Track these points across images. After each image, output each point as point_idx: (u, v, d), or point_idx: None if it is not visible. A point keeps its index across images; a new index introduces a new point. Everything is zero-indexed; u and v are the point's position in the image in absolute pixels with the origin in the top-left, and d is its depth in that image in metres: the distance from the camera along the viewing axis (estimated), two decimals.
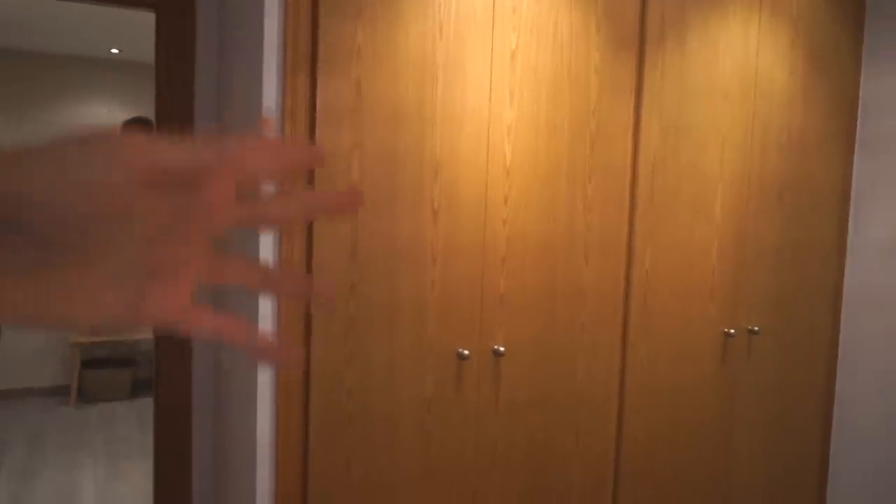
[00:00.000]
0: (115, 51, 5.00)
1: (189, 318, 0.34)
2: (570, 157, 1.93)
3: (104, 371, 5.12)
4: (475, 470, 1.88)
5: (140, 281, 0.32)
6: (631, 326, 2.09)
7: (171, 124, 2.26)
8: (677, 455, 2.25)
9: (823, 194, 2.49)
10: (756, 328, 2.35)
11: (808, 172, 2.44)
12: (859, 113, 2.57)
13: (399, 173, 1.70)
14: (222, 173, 0.31)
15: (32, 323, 0.31)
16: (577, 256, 1.97)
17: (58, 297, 0.31)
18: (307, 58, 1.60)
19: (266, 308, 1.63)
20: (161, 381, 2.31)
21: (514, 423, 1.93)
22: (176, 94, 2.27)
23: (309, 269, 1.63)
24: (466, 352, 1.81)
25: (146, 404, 5.16)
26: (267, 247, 1.62)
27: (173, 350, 2.32)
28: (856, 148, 2.58)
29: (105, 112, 5.35)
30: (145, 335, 5.27)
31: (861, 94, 2.57)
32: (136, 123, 5.37)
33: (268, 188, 0.35)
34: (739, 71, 2.22)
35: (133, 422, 4.76)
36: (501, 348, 1.86)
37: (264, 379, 1.64)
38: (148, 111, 5.38)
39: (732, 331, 2.29)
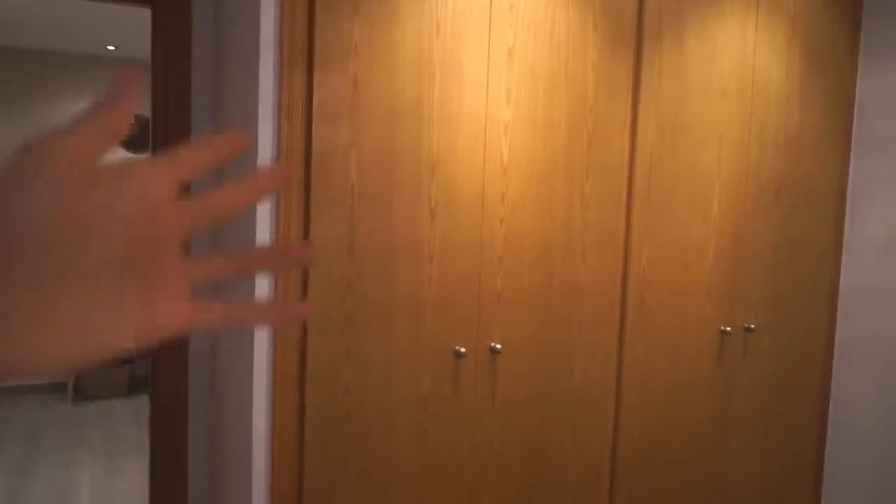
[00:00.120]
0: (111, 48, 4.99)
1: (198, 318, 0.34)
2: (568, 155, 1.93)
3: (101, 368, 5.12)
4: (472, 468, 1.88)
5: (135, 295, 0.31)
6: (628, 324, 2.09)
7: (167, 121, 2.25)
8: (674, 453, 2.25)
9: (820, 192, 2.49)
10: (752, 326, 2.35)
11: (805, 171, 2.44)
12: (856, 111, 2.57)
13: (396, 171, 1.70)
14: (162, 172, 0.31)
15: (33, 373, 0.30)
16: (575, 254, 1.97)
17: (50, 334, 0.29)
18: (304, 55, 1.60)
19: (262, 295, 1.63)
20: (157, 378, 2.31)
21: (511, 420, 1.93)
22: (172, 91, 2.26)
23: (306, 267, 1.63)
24: (463, 349, 1.81)
25: (143, 402, 5.15)
26: (264, 236, 1.62)
27: (169, 347, 2.32)
28: (852, 146, 2.58)
29: None
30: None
31: (858, 92, 2.57)
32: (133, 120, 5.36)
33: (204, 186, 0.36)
34: (737, 69, 2.22)
35: (130, 419, 4.76)
36: (498, 346, 1.86)
37: (261, 375, 1.64)
38: (143, 108, 5.37)
39: (729, 329, 2.30)
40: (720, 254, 2.26)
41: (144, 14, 3.84)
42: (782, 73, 2.33)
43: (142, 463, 4.00)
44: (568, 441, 2.04)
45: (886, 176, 2.51)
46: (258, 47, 1.59)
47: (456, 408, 1.84)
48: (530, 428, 1.97)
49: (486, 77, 1.79)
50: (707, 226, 2.22)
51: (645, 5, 2.02)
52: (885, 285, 2.51)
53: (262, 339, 1.63)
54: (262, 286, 1.62)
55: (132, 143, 5.42)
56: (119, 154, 5.29)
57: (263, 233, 1.62)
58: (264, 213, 1.61)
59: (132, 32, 4.49)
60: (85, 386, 5.11)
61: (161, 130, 2.26)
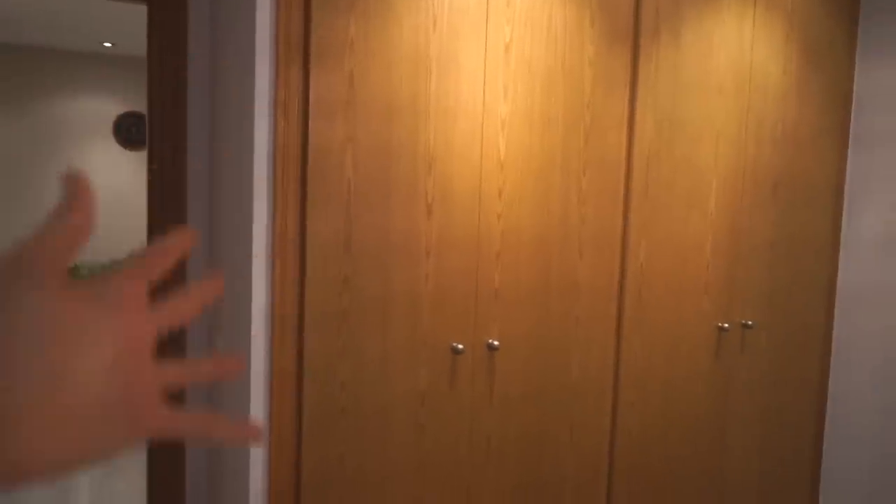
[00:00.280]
0: (108, 45, 4.98)
1: (178, 427, 0.37)
2: (565, 151, 1.93)
3: None
4: (469, 464, 1.88)
5: (122, 403, 0.33)
6: (625, 320, 2.09)
7: (163, 117, 2.25)
8: (671, 449, 2.25)
9: (817, 189, 2.49)
10: (750, 322, 2.35)
11: (803, 167, 2.44)
12: (853, 107, 2.57)
13: (393, 167, 1.69)
14: (132, 282, 0.35)
15: (28, 478, 0.31)
16: (572, 250, 1.97)
17: (48, 438, 0.31)
18: (300, 51, 1.59)
19: (260, 300, 1.63)
20: None
21: (509, 417, 1.93)
22: (168, 88, 2.26)
23: (303, 258, 1.63)
24: (461, 346, 1.81)
25: None
26: (261, 227, 1.61)
27: (167, 345, 2.31)
28: (850, 142, 2.58)
29: (98, 106, 5.32)
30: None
31: (855, 88, 2.57)
32: (129, 117, 5.35)
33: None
34: (734, 65, 2.22)
35: None
36: (496, 342, 1.86)
37: (258, 371, 1.64)
38: (141, 105, 5.36)
39: (726, 325, 2.30)
40: (717, 250, 2.26)
41: (141, 11, 3.83)
42: (779, 69, 2.33)
43: (140, 461, 3.99)
44: (565, 437, 2.04)
45: (884, 172, 2.51)
46: (254, 44, 1.59)
47: (453, 404, 1.84)
48: (528, 424, 1.97)
49: (483, 73, 1.79)
50: (704, 222, 2.22)
51: (642, 1, 2.01)
52: (883, 282, 2.52)
53: (259, 336, 1.63)
54: (260, 281, 1.62)
55: (129, 141, 5.41)
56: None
57: (260, 223, 1.61)
58: (261, 210, 1.61)
59: (129, 29, 4.48)
60: None
61: (157, 127, 2.26)
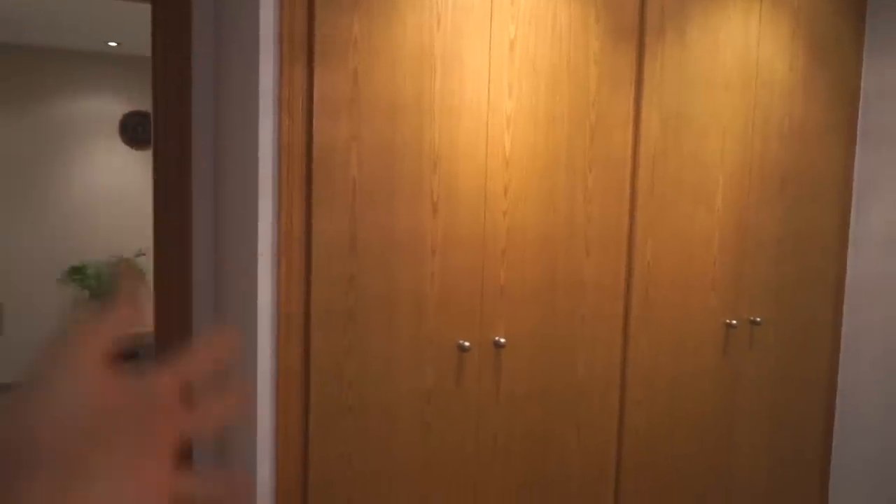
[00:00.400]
0: (112, 44, 4.98)
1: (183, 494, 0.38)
2: (570, 149, 1.92)
3: None
4: (475, 462, 1.88)
5: (138, 481, 0.35)
6: (632, 318, 2.08)
7: (168, 116, 2.25)
8: (679, 446, 2.24)
9: (825, 185, 2.48)
10: (758, 319, 2.34)
11: (810, 163, 2.42)
12: (861, 104, 2.56)
13: (397, 165, 1.69)
14: (169, 380, 0.36)
15: None
16: (578, 248, 1.97)
17: None
18: (304, 50, 1.59)
19: (265, 299, 1.63)
20: None
21: (515, 415, 1.93)
22: (172, 87, 2.26)
23: (308, 257, 1.63)
24: (467, 343, 1.80)
25: None
26: (266, 226, 1.61)
27: (173, 343, 2.32)
28: (857, 139, 2.57)
29: (103, 106, 5.33)
30: (147, 328, 5.27)
31: (863, 85, 2.55)
32: (135, 116, 5.36)
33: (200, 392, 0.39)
34: (740, 62, 2.21)
35: None
36: (502, 340, 1.86)
37: (264, 370, 1.64)
38: (147, 104, 5.37)
39: (734, 322, 2.29)
40: (725, 247, 2.25)
41: (145, 10, 3.83)
42: (786, 65, 2.31)
43: None
44: (572, 435, 2.03)
45: (891, 168, 2.50)
46: (258, 43, 1.59)
47: (459, 402, 1.84)
48: (534, 422, 1.96)
49: (488, 70, 1.78)
50: (711, 219, 2.21)
51: None
52: (891, 276, 2.50)
53: (265, 329, 1.63)
54: (265, 281, 1.62)
55: (135, 140, 5.42)
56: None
57: (266, 222, 1.61)
58: (266, 209, 1.61)
59: (133, 29, 4.48)
60: None
61: (162, 126, 2.26)
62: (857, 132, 2.57)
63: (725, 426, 2.34)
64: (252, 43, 1.65)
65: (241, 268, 1.83)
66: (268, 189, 1.61)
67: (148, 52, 5.21)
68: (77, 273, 5.15)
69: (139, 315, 0.37)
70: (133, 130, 5.43)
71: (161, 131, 2.26)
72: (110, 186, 5.41)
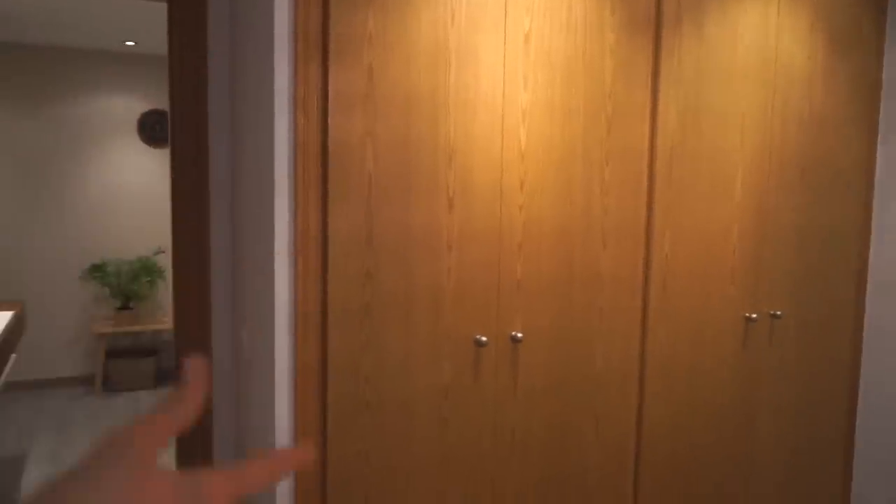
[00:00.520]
0: (130, 43, 5.02)
1: None
2: (586, 141, 1.91)
3: (128, 361, 5.19)
4: (493, 457, 1.88)
5: None
6: (650, 310, 2.07)
7: (185, 115, 2.27)
8: (698, 438, 2.23)
9: (846, 176, 2.45)
10: (778, 312, 2.32)
11: (830, 154, 2.39)
12: (882, 95, 2.51)
13: (413, 160, 1.69)
14: (223, 487, 0.36)
15: None
16: (595, 241, 1.96)
17: None
18: (318, 46, 1.59)
19: (283, 297, 1.64)
20: (181, 370, 2.33)
21: (533, 409, 1.92)
22: (189, 86, 2.27)
23: (325, 255, 1.63)
24: (484, 338, 1.80)
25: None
26: (283, 226, 1.62)
27: (193, 339, 2.34)
28: (879, 130, 2.53)
29: (121, 105, 5.38)
30: (167, 325, 5.33)
31: (884, 76, 2.51)
32: (153, 114, 5.41)
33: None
34: (758, 53, 2.18)
35: None
36: (519, 334, 1.86)
37: (282, 366, 1.65)
38: (164, 103, 5.41)
39: (754, 315, 2.26)
40: (744, 238, 2.22)
41: (161, 9, 3.86)
42: (805, 57, 2.28)
43: (170, 454, 4.06)
44: (590, 429, 2.03)
45: None
46: (273, 40, 1.59)
47: (477, 397, 1.84)
48: (552, 416, 1.96)
49: (503, 64, 1.77)
50: (730, 210, 2.18)
51: None
52: None
53: (282, 328, 1.64)
54: (282, 278, 1.63)
55: (153, 139, 5.47)
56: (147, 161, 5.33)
57: (282, 221, 1.62)
58: (283, 201, 1.62)
59: (150, 28, 4.52)
60: (113, 378, 5.20)
61: (179, 124, 2.28)
62: (879, 124, 2.52)
63: (745, 418, 2.32)
64: (267, 40, 1.66)
65: (258, 266, 1.84)
66: (284, 187, 1.62)
67: (165, 51, 5.26)
68: (97, 271, 5.22)
69: (199, 409, 0.37)
70: (151, 129, 5.47)
71: (178, 129, 2.28)
72: (129, 185, 5.46)
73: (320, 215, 1.63)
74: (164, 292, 5.58)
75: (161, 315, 5.58)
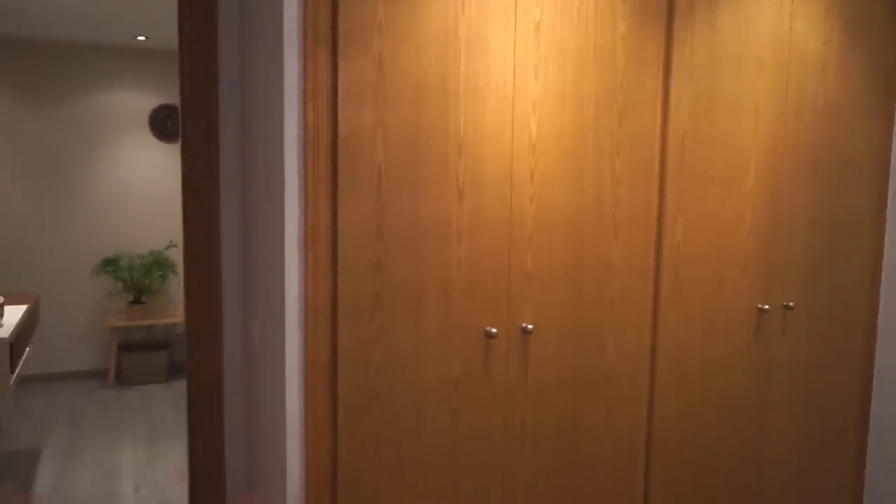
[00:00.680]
0: (141, 38, 5.04)
1: None
2: (597, 131, 1.90)
3: (141, 354, 5.23)
4: (503, 449, 1.88)
5: None
6: (662, 300, 2.06)
7: (195, 109, 2.27)
8: (709, 430, 2.22)
9: (860, 165, 2.42)
10: (791, 304, 2.30)
11: (844, 143, 2.36)
12: None
13: (423, 150, 1.68)
14: None
15: None
16: (606, 231, 1.94)
17: None
18: (328, 36, 1.59)
19: (293, 291, 1.64)
20: (193, 363, 2.34)
21: (543, 401, 1.92)
22: (199, 80, 2.27)
23: (335, 246, 1.63)
24: (494, 330, 1.80)
25: (183, 387, 5.26)
26: (293, 222, 1.62)
27: (205, 333, 2.35)
28: (895, 119, 2.49)
29: (133, 100, 5.41)
30: (179, 319, 5.36)
31: None
32: (164, 109, 5.43)
33: None
34: (772, 41, 2.15)
35: (170, 403, 4.86)
36: (530, 326, 1.85)
37: (293, 358, 1.65)
38: (175, 98, 5.43)
39: (766, 307, 2.25)
40: (756, 228, 2.20)
41: (172, 4, 3.87)
42: (819, 44, 2.25)
43: (182, 446, 4.08)
44: (601, 420, 2.02)
45: None
46: (282, 31, 1.59)
47: (487, 389, 1.83)
48: (563, 408, 1.95)
49: (513, 53, 1.76)
50: (742, 200, 2.16)
51: None
52: None
53: (293, 323, 1.64)
54: (293, 270, 1.63)
55: (164, 133, 5.49)
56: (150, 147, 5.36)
57: (292, 217, 1.62)
58: (293, 198, 1.62)
59: (161, 23, 4.53)
60: (125, 371, 5.23)
61: (189, 119, 2.28)
62: (895, 112, 2.49)
63: (757, 410, 2.31)
64: (276, 32, 1.66)
65: (269, 259, 1.84)
66: (294, 179, 1.62)
67: (176, 46, 5.26)
68: (110, 265, 5.25)
69: None
70: (162, 124, 5.50)
71: (189, 124, 2.28)
72: (141, 179, 5.49)
73: (330, 206, 1.62)
74: (177, 286, 5.61)
75: (173, 309, 5.62)
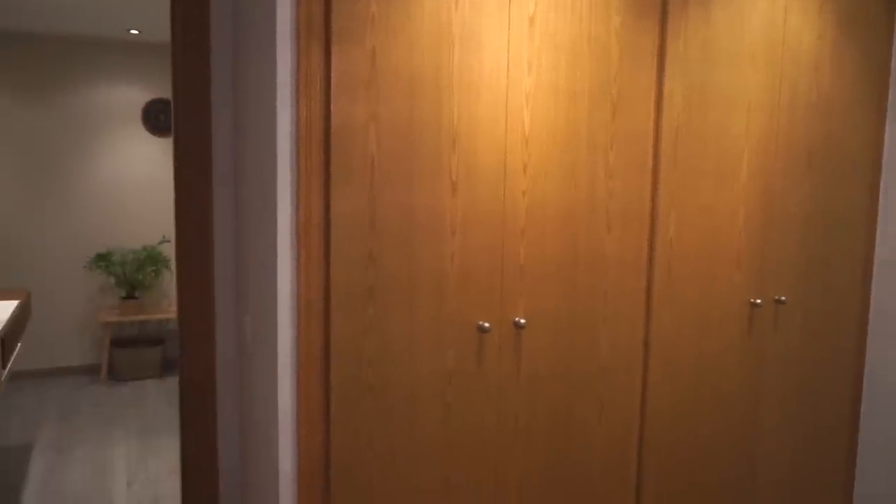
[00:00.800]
0: (134, 32, 5.02)
1: None
2: (591, 124, 1.90)
3: (133, 350, 5.21)
4: (496, 443, 1.88)
5: None
6: (655, 294, 2.06)
7: (188, 103, 2.26)
8: (702, 425, 2.22)
9: (853, 160, 2.42)
10: (783, 298, 2.30)
11: (838, 138, 2.37)
12: (891, 78, 2.49)
13: (416, 144, 1.68)
14: None
15: None
16: (599, 225, 1.94)
17: None
18: (321, 30, 1.58)
19: (285, 284, 1.63)
20: (185, 358, 2.34)
21: (536, 395, 1.92)
22: (192, 74, 2.26)
23: (327, 238, 1.63)
24: (487, 324, 1.79)
25: (177, 382, 5.24)
26: (285, 216, 1.61)
27: (197, 329, 2.34)
28: (888, 114, 2.50)
29: (126, 94, 5.38)
30: (172, 314, 5.34)
31: (893, 60, 2.48)
32: (157, 103, 5.40)
33: None
34: (766, 35, 2.16)
35: (163, 399, 4.85)
36: (522, 320, 1.85)
37: (285, 351, 1.64)
38: (168, 92, 5.40)
39: (759, 301, 2.25)
40: (749, 222, 2.21)
41: None
42: (814, 38, 2.25)
43: (176, 442, 4.07)
44: (594, 414, 2.02)
45: None
46: (275, 24, 1.58)
47: (480, 383, 1.83)
48: (555, 402, 1.95)
49: (507, 46, 1.76)
50: (736, 194, 2.17)
51: None
52: None
53: (285, 314, 1.64)
54: (285, 263, 1.62)
55: (157, 128, 5.46)
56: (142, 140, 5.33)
57: (285, 209, 1.61)
58: (286, 190, 1.61)
59: (153, 16, 4.51)
60: (118, 367, 5.22)
61: (182, 113, 2.27)
62: (888, 106, 2.50)
63: (750, 405, 2.31)
64: (269, 25, 1.65)
65: (261, 252, 1.83)
66: (286, 171, 1.61)
67: (169, 39, 5.23)
68: (103, 260, 5.23)
69: None
70: (155, 118, 5.47)
71: (181, 119, 2.27)
72: (134, 174, 5.46)
73: (323, 198, 1.62)
74: (170, 281, 5.59)
75: (167, 304, 5.60)
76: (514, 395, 1.89)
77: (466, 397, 1.82)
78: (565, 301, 1.92)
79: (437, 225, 1.73)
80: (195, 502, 2.39)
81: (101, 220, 5.39)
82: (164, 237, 5.54)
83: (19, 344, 3.62)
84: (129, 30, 4.95)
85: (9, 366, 3.28)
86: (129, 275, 5.29)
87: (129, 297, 5.30)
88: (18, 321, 3.55)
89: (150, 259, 5.34)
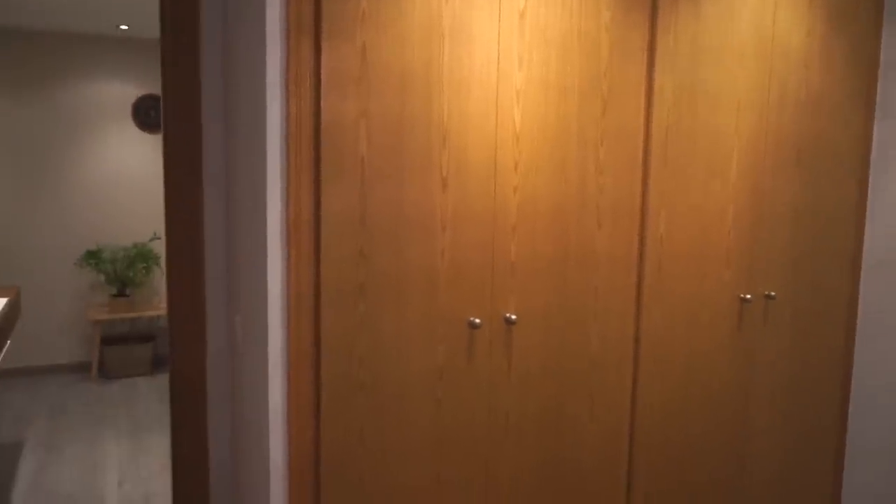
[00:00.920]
0: (123, 27, 4.98)
1: None
2: (581, 120, 1.90)
3: (124, 347, 5.19)
4: (487, 439, 1.88)
5: None
6: (645, 290, 2.06)
7: (178, 99, 2.24)
8: (693, 421, 2.23)
9: (842, 156, 2.44)
10: (772, 293, 2.31)
11: (827, 134, 2.38)
12: (880, 74, 2.50)
13: (406, 140, 1.68)
14: None
15: None
16: (590, 221, 1.95)
17: None
18: (311, 26, 1.57)
19: (275, 282, 1.63)
20: (176, 355, 2.33)
21: (527, 391, 1.92)
22: (182, 70, 2.25)
23: (317, 235, 1.62)
24: (478, 320, 1.80)
25: (167, 379, 5.23)
26: (275, 213, 1.61)
27: (188, 327, 2.33)
28: (876, 109, 2.51)
29: (115, 90, 5.35)
30: (163, 312, 5.32)
31: (882, 54, 2.49)
32: (147, 99, 5.37)
33: None
34: (756, 31, 2.16)
35: (154, 397, 4.83)
36: (513, 316, 1.85)
37: (276, 348, 1.64)
38: (158, 88, 5.37)
39: (749, 296, 2.26)
40: (739, 219, 2.22)
41: None
42: (803, 34, 2.26)
43: (167, 440, 4.06)
44: (585, 411, 2.03)
45: None
46: (265, 20, 1.57)
47: (471, 379, 1.83)
48: (546, 398, 1.96)
49: (497, 42, 1.75)
50: (726, 190, 2.18)
51: None
52: None
53: (276, 311, 1.63)
54: (275, 260, 1.62)
55: (147, 124, 5.43)
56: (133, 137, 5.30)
57: (275, 206, 1.61)
58: (275, 187, 1.60)
59: (143, 11, 4.48)
60: (109, 365, 5.19)
61: (171, 109, 2.26)
62: (876, 103, 2.51)
63: (740, 401, 2.33)
64: (259, 21, 1.64)
65: (252, 249, 1.83)
66: (276, 167, 1.60)
67: (157, 35, 5.21)
68: (93, 257, 5.20)
69: None
70: (145, 114, 5.44)
71: (171, 115, 2.26)
72: (124, 170, 5.44)
73: (313, 195, 1.61)
74: (160, 278, 5.57)
75: (157, 301, 5.58)
76: (504, 392, 1.89)
77: (457, 394, 1.82)
78: (556, 297, 1.93)
79: (427, 221, 1.72)
80: (186, 500, 2.38)
81: (91, 217, 5.36)
82: (154, 234, 5.52)
83: (9, 341, 3.60)
84: (118, 25, 4.91)
85: None
86: (119, 272, 5.26)
87: (120, 294, 5.28)
88: (8, 318, 3.53)
89: (141, 256, 5.32)
